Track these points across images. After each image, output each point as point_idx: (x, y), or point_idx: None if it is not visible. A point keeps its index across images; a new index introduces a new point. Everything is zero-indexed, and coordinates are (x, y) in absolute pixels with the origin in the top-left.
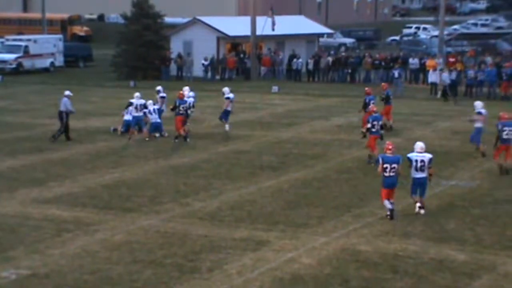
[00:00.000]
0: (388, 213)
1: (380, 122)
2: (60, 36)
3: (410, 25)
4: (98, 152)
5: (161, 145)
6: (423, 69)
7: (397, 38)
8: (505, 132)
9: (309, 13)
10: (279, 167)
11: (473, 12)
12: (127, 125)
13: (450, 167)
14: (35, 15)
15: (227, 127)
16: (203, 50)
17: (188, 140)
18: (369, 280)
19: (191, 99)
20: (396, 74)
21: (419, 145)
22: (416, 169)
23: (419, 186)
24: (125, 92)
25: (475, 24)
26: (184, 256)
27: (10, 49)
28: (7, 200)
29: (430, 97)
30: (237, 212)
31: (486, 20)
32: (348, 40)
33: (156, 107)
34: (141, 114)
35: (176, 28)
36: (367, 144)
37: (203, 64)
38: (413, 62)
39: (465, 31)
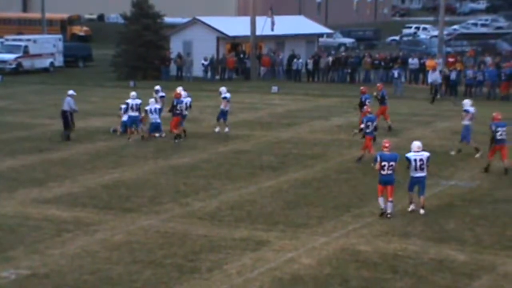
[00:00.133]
0: (380, 211)
1: (375, 123)
2: (60, 36)
3: (410, 25)
4: (97, 152)
5: (161, 145)
6: (422, 69)
7: (397, 38)
8: (498, 133)
9: (308, 13)
10: (278, 167)
11: (473, 12)
12: (125, 126)
13: (450, 167)
14: (34, 15)
15: (227, 129)
16: (203, 50)
17: (176, 141)
18: (368, 280)
19: (189, 99)
20: (395, 74)
21: (416, 144)
22: (416, 169)
23: (417, 184)
24: (125, 92)
25: (475, 24)
26: (184, 256)
27: (10, 49)
28: (7, 200)
29: (430, 97)
30: (237, 212)
31: (486, 20)
32: (348, 40)
33: (157, 106)
34: (137, 114)
35: (176, 28)
36: (364, 145)
37: (203, 64)
38: (413, 62)
39: (465, 31)
